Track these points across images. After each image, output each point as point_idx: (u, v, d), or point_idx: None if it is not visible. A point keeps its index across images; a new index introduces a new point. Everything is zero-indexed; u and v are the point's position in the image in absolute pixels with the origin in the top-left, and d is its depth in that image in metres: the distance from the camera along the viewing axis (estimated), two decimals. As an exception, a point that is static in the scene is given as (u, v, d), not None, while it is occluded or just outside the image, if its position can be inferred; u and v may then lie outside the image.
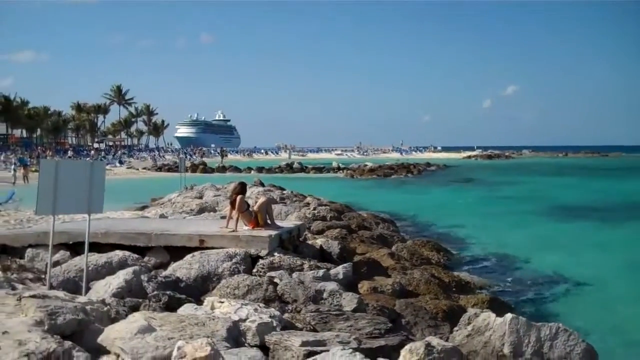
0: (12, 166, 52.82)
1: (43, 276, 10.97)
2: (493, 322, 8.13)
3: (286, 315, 8.83)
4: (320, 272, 11.14)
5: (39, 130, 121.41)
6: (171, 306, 8.93)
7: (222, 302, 8.40)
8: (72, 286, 10.47)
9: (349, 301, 9.70)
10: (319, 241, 14.57)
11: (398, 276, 12.83)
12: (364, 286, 11.69)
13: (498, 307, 11.59)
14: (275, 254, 11.81)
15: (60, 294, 8.32)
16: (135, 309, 8.78)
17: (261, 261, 11.54)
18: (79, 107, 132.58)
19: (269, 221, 13.17)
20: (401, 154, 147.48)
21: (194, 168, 69.04)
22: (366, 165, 74.16)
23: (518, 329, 7.92)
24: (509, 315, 8.10)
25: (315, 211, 20.62)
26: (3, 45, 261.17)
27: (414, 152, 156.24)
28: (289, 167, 72.92)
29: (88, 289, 10.12)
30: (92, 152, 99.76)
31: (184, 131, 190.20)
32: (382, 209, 29.36)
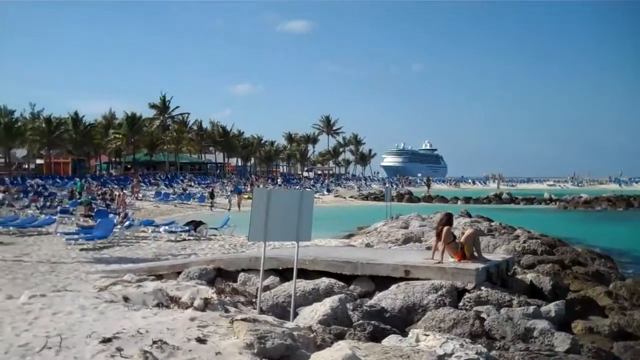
0: (228, 193, 56.02)
1: (254, 300, 11.40)
2: None
3: (493, 353, 8.48)
4: (531, 309, 10.63)
5: (252, 159, 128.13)
6: (375, 336, 8.91)
7: (427, 335, 8.22)
8: (281, 311, 10.77)
9: (561, 341, 9.16)
10: (529, 276, 13.94)
11: (616, 316, 11.92)
12: (577, 326, 10.99)
13: None
14: (483, 287, 11.43)
15: (270, 318, 8.57)
16: (340, 337, 8.85)
17: (468, 295, 11.22)
18: (290, 137, 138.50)
19: (476, 254, 12.83)
20: (620, 185, 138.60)
21: (399, 197, 69.35)
22: (580, 196, 70.45)
23: None
24: None
25: (525, 244, 19.81)
26: (226, 80, 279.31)
27: (634, 184, 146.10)
28: (498, 198, 71.02)
29: (295, 314, 10.35)
30: (301, 181, 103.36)
31: (390, 160, 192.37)
32: (598, 244, 27.65)
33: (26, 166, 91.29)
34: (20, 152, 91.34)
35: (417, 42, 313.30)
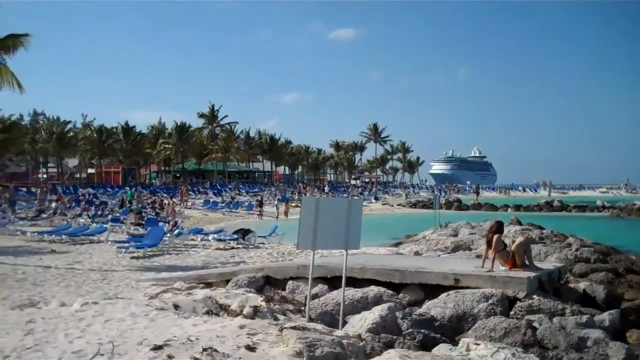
0: (275, 202, 56.30)
1: (302, 308, 11.40)
2: None
3: (546, 363, 8.34)
4: (584, 318, 10.43)
5: (299, 167, 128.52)
6: (425, 345, 8.83)
7: (478, 344, 8.12)
8: (329, 319, 10.75)
9: (616, 351, 8.97)
10: (582, 285, 13.67)
11: (674, 326, 11.63)
12: (633, 335, 10.75)
13: None
14: (534, 296, 11.24)
15: (319, 326, 8.55)
16: (389, 345, 8.80)
17: (519, 303, 11.05)
18: (337, 146, 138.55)
19: (527, 262, 12.63)
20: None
21: (448, 205, 68.78)
22: (634, 204, 68.81)
23: None
24: None
25: (578, 252, 19.45)
26: (273, 89, 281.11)
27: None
28: (549, 205, 69.86)
29: (344, 322, 10.32)
30: (349, 189, 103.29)
31: (438, 168, 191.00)
32: (653, 252, 27.02)
33: (78, 175, 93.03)
34: (72, 162, 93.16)
35: (462, 47, 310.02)
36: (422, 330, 9.34)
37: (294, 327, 8.01)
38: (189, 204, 55.06)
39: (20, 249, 22.82)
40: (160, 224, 30.15)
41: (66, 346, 7.83)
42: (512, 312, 10.89)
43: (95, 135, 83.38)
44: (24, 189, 57.46)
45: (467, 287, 11.51)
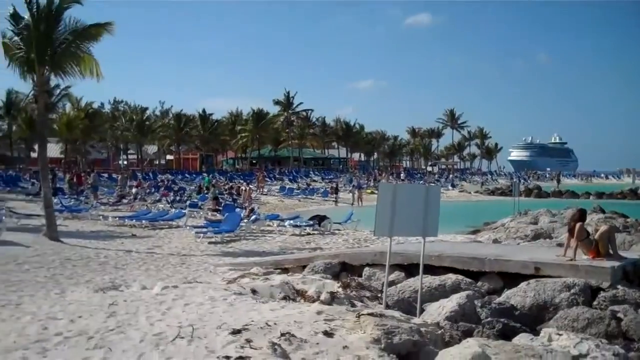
0: (351, 188, 56.28)
1: (379, 295, 11.35)
2: None
3: (632, 354, 8.08)
4: (672, 309, 10.03)
5: (375, 154, 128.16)
6: (505, 334, 8.66)
7: (561, 335, 7.90)
8: (406, 306, 10.66)
9: None
10: (669, 275, 13.18)
11: None
12: None
13: None
14: (619, 286, 10.87)
15: (396, 313, 8.49)
16: (468, 334, 8.68)
17: (602, 294, 10.70)
18: (413, 132, 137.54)
19: (611, 251, 12.24)
20: None
21: (527, 192, 67.26)
22: None
23: None
24: None
25: (665, 241, 18.78)
26: (349, 76, 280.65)
27: None
28: (633, 193, 67.56)
29: (422, 310, 10.22)
30: (426, 175, 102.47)
31: (517, 154, 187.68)
32: None
33: (157, 162, 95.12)
34: (151, 149, 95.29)
35: (542, 32, 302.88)
36: (502, 319, 9.16)
37: (371, 314, 7.98)
38: (265, 190, 55.57)
39: (102, 233, 23.43)
40: (237, 210, 30.49)
41: (147, 328, 8.00)
42: (595, 303, 10.55)
43: (173, 122, 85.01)
44: (106, 175, 59.09)
45: (548, 276, 11.22)
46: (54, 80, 22.28)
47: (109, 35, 20.92)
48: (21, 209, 28.37)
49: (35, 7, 20.26)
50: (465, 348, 6.80)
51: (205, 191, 43.68)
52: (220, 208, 32.89)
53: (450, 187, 77.17)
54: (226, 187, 50.41)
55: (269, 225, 27.41)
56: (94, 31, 20.72)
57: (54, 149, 69.32)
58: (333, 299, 10.05)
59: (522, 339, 8.12)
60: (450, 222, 26.24)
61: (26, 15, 20.43)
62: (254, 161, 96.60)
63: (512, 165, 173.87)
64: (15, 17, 20.65)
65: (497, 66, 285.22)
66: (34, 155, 59.94)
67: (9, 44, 20.81)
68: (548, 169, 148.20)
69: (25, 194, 38.15)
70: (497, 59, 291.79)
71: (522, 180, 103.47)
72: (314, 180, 73.00)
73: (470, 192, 74.58)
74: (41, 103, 21.54)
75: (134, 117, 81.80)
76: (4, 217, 21.68)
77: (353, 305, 9.91)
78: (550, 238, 20.42)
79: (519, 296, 10.75)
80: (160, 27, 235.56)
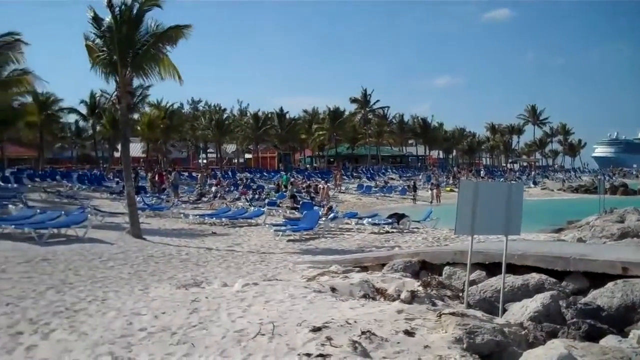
0: (429, 186, 55.82)
1: (460, 294, 11.19)
2: None
3: None
4: None
5: (454, 151, 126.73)
6: (591, 336, 8.44)
7: (651, 337, 7.64)
8: (488, 306, 10.48)
9: None
10: None
11: None
12: None
13: None
14: None
15: (478, 313, 8.35)
16: (552, 335, 8.49)
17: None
18: (493, 128, 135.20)
19: None
20: None
21: (613, 190, 65.24)
22: None
23: None
24: None
25: None
26: (425, 73, 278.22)
27: None
28: None
29: (504, 310, 10.03)
30: (506, 173, 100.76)
31: (602, 151, 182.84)
32: None
33: (235, 160, 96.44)
34: (230, 148, 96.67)
35: (622, 22, 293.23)
36: (588, 320, 8.91)
37: (453, 313, 7.88)
38: (343, 188, 55.62)
39: (183, 231, 23.86)
40: (315, 208, 30.61)
41: (229, 325, 8.09)
42: (687, 305, 10.14)
43: (251, 121, 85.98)
44: (186, 174, 60.19)
45: (637, 277, 10.84)
46: (136, 81, 22.79)
47: (184, 39, 21.34)
48: (105, 207, 29.15)
49: (117, 9, 20.79)
50: (551, 349, 6.63)
51: (284, 189, 43.99)
52: (299, 206, 33.08)
53: (532, 185, 75.54)
54: (304, 185, 50.64)
55: (347, 224, 27.40)
56: (173, 33, 21.14)
57: (136, 149, 71.08)
58: (413, 297, 9.95)
59: (609, 340, 7.90)
60: (532, 221, 25.66)
61: (107, 17, 20.98)
62: (331, 159, 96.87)
63: (597, 161, 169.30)
64: (96, 20, 21.24)
65: (577, 60, 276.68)
66: (117, 154, 61.56)
67: (92, 46, 21.45)
68: (634, 166, 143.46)
69: (109, 193, 39.12)
70: (578, 52, 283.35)
71: (607, 177, 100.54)
72: (392, 178, 72.66)
73: (552, 190, 72.86)
74: (124, 104, 22.07)
75: (213, 116, 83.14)
76: (89, 215, 22.32)
77: (434, 304, 9.79)
78: (638, 237, 19.75)
79: (605, 297, 10.41)
80: (239, 27, 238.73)
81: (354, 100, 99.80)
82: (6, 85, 27.58)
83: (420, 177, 72.96)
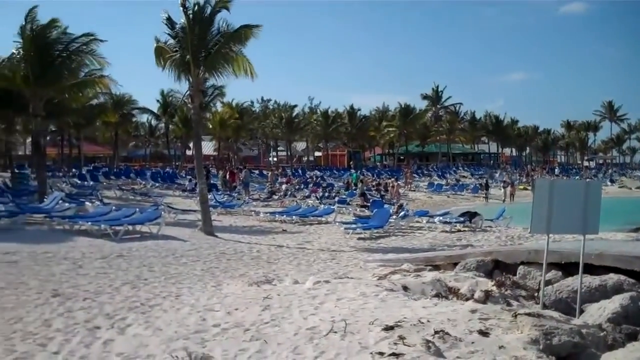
0: (502, 184, 54.99)
1: (535, 294, 10.96)
2: None
3: None
4: None
5: (528, 148, 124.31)
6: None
7: None
8: (564, 307, 10.23)
9: None
10: None
11: None
12: None
13: None
14: None
15: (555, 314, 8.18)
16: (632, 337, 8.24)
17: None
18: (568, 125, 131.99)
19: None
20: None
21: (694, 188, 63.08)
22: None
23: None
24: None
25: None
26: (499, 69, 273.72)
27: None
28: None
29: (581, 311, 9.78)
30: (582, 171, 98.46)
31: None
32: None
33: (305, 158, 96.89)
34: (300, 145, 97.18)
35: None
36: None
37: (528, 314, 7.73)
38: (413, 186, 55.29)
39: (254, 228, 24.09)
40: (386, 206, 30.50)
41: (301, 322, 8.13)
42: None
43: (321, 119, 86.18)
44: (257, 172, 60.81)
45: None
46: (209, 80, 23.21)
47: (254, 38, 21.61)
48: (178, 205, 29.70)
49: (190, 11, 21.23)
50: (631, 352, 6.46)
51: (354, 187, 44.02)
52: (369, 204, 33.03)
53: (608, 183, 73.62)
54: (374, 183, 50.55)
55: (417, 222, 27.22)
56: (243, 33, 21.42)
57: (207, 147, 72.21)
58: (487, 297, 9.80)
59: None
60: (610, 220, 24.90)
61: (181, 19, 21.46)
62: (401, 157, 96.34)
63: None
64: (170, 21, 21.78)
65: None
66: (189, 152, 62.67)
67: (164, 47, 21.94)
68: None
69: (181, 190, 39.89)
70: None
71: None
72: (463, 176, 71.88)
73: (630, 188, 70.84)
74: (196, 102, 22.47)
75: (283, 114, 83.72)
76: (163, 213, 22.77)
77: (508, 304, 9.63)
78: None
79: (688, 299, 10.04)
80: (308, 24, 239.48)
81: (425, 97, 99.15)
82: (84, 86, 28.33)
83: (497, 174, 71.93)
